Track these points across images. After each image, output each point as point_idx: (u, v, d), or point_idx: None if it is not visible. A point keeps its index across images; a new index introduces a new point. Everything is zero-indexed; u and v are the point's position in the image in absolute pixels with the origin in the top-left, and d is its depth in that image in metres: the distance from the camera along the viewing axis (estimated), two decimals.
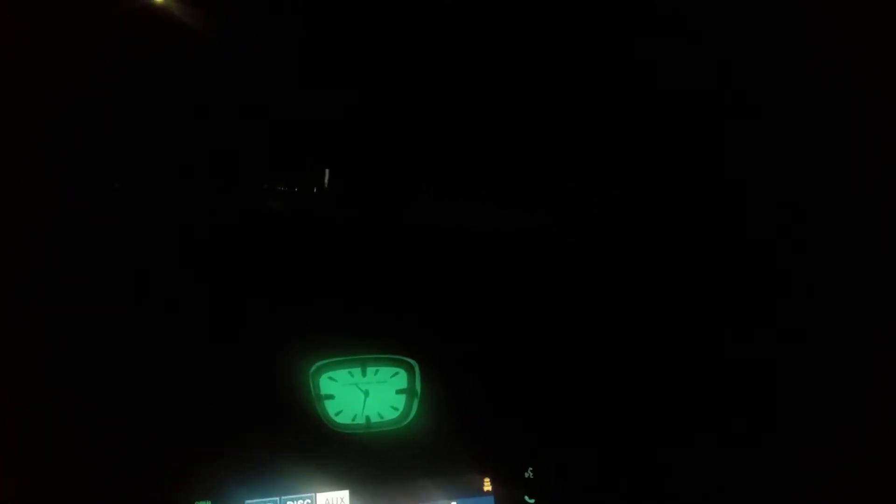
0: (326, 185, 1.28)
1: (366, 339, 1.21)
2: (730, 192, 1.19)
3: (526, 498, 1.16)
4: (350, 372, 1.20)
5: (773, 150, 1.13)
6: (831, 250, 1.06)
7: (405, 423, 1.19)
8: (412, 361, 1.22)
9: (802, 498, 1.10)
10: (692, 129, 1.20)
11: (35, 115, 1.05)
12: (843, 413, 1.05)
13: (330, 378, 1.19)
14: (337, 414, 1.17)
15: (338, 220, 1.24)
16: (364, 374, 1.20)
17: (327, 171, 1.28)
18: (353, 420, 1.18)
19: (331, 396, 1.18)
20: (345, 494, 1.10)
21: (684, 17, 1.08)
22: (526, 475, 1.17)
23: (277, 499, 1.08)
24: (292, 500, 1.08)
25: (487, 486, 1.15)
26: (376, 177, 1.30)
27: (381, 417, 1.19)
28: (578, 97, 1.22)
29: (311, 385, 1.17)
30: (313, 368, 1.17)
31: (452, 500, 1.13)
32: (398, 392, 1.21)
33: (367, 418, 1.18)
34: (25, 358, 1.06)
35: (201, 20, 1.03)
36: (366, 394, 1.19)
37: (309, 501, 1.09)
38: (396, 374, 1.22)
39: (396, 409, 1.20)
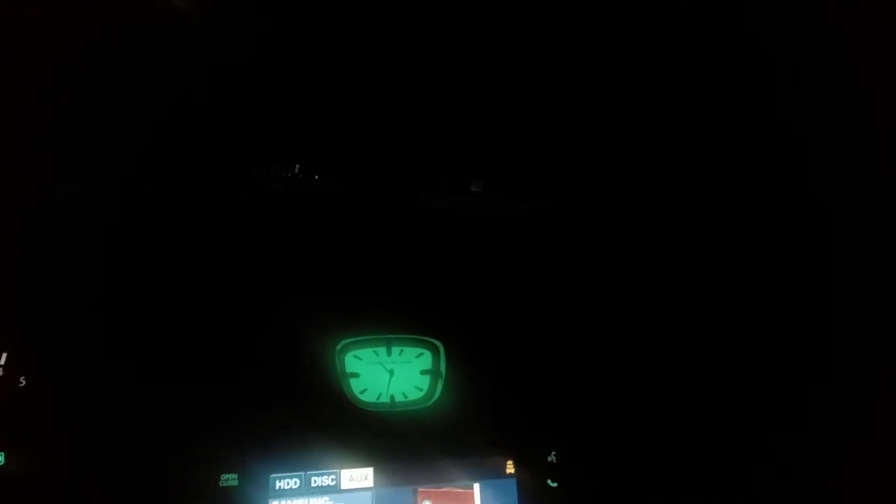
0: (353, 172, 1.27)
1: (392, 319, 1.21)
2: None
3: (549, 482, 1.16)
4: (375, 351, 1.20)
5: (781, 143, 1.14)
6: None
7: (429, 403, 1.19)
8: (437, 343, 1.21)
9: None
10: (702, 123, 1.20)
11: (47, 104, 1.04)
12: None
13: (355, 356, 1.19)
14: (362, 392, 1.17)
15: (369, 204, 1.23)
16: (389, 353, 1.20)
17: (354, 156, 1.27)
18: (378, 399, 1.18)
19: (356, 374, 1.18)
20: (369, 472, 1.11)
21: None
22: (549, 459, 1.17)
23: (302, 474, 1.08)
24: (317, 475, 1.08)
25: (510, 469, 1.16)
26: (400, 162, 1.29)
27: (406, 397, 1.19)
28: (593, 88, 1.21)
29: (337, 363, 1.17)
30: (339, 346, 1.17)
31: (475, 481, 1.14)
32: (423, 372, 1.21)
33: (392, 397, 1.18)
34: (57, 334, 1.06)
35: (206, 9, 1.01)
36: (391, 373, 1.19)
37: (333, 478, 1.09)
38: (421, 354, 1.22)
39: (421, 389, 1.20)
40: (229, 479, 1.04)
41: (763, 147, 1.18)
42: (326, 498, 1.08)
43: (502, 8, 1.01)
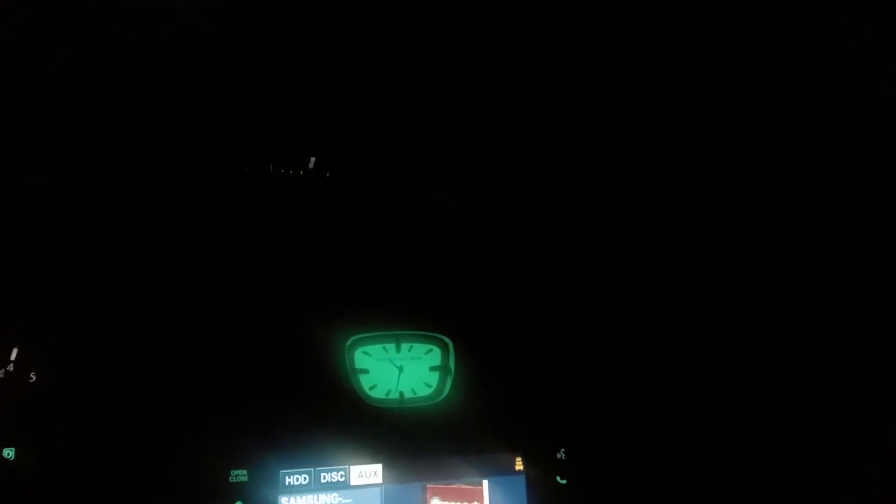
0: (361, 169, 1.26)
1: (401, 316, 1.21)
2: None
3: (557, 478, 1.16)
4: (384, 347, 1.20)
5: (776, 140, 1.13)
6: None
7: (438, 399, 1.19)
8: (447, 339, 1.21)
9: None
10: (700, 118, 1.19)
11: (45, 103, 1.03)
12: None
13: (365, 353, 1.19)
14: (371, 388, 1.17)
15: (378, 202, 1.23)
16: (398, 349, 1.20)
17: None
18: (388, 395, 1.18)
19: (365, 371, 1.18)
20: (378, 468, 1.11)
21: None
22: (558, 456, 1.17)
23: (312, 470, 1.08)
24: (326, 471, 1.09)
25: (519, 466, 1.16)
26: (406, 161, 1.28)
27: (415, 393, 1.19)
28: (595, 87, 1.20)
29: (347, 359, 1.17)
30: (349, 342, 1.17)
31: (484, 477, 1.14)
32: (432, 369, 1.21)
33: (401, 394, 1.18)
34: (67, 330, 1.06)
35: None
36: (400, 369, 1.19)
37: (343, 473, 1.09)
38: (430, 351, 1.22)
39: (430, 385, 1.20)
40: (239, 475, 1.04)
41: (765, 145, 1.17)
42: (336, 494, 1.08)
43: (501, 8, 1.01)
